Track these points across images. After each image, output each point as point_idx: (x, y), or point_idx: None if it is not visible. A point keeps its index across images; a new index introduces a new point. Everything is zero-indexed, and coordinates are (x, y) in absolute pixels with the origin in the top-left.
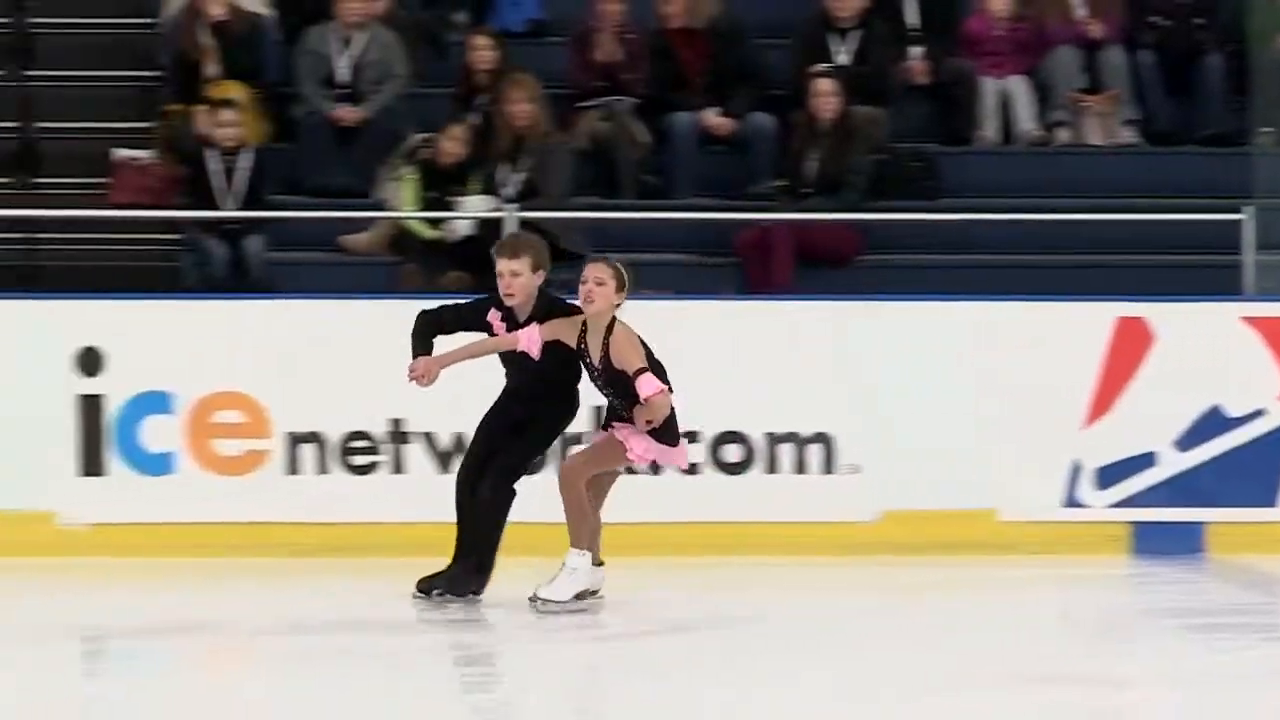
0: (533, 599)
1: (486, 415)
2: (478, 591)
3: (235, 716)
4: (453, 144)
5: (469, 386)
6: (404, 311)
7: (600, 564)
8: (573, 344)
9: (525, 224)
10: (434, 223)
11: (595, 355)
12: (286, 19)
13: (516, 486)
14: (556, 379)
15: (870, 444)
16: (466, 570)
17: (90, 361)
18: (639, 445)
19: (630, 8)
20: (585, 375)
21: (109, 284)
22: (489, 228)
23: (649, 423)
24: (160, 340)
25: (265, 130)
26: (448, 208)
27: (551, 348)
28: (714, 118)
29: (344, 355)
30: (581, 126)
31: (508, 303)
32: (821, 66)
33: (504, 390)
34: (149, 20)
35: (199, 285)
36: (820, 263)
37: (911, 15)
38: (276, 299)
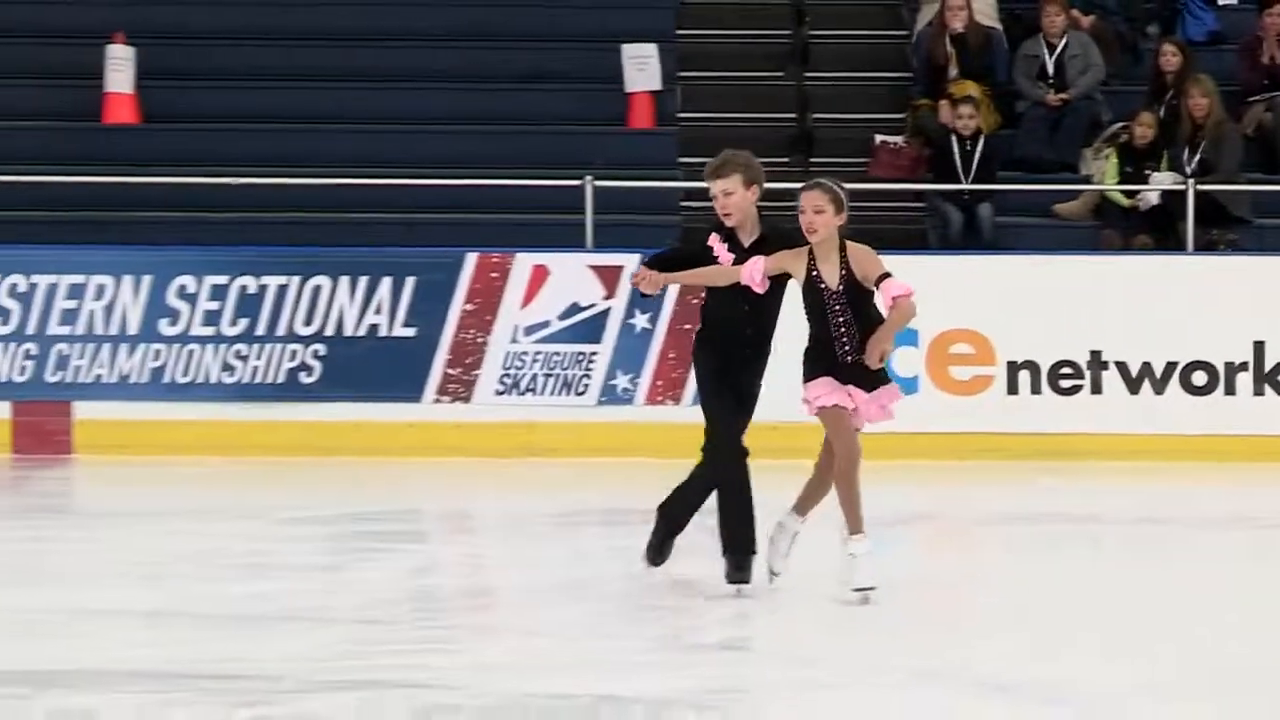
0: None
1: (719, 387)
2: (748, 580)
3: (941, 585)
4: (1144, 129)
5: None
6: (1105, 266)
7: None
8: (800, 275)
9: (1200, 194)
10: (1129, 194)
11: (833, 280)
12: (1010, 31)
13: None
14: (768, 325)
15: None
16: (739, 560)
17: None
18: (872, 411)
19: None
20: (814, 311)
21: (867, 241)
22: (1173, 198)
23: (881, 358)
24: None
25: (995, 120)
26: (1141, 181)
27: (773, 285)
28: None
29: (1055, 300)
30: (1249, 117)
31: (727, 224)
32: None
33: (719, 355)
34: (903, 33)
35: (940, 244)
36: None
37: None
38: (1002, 255)
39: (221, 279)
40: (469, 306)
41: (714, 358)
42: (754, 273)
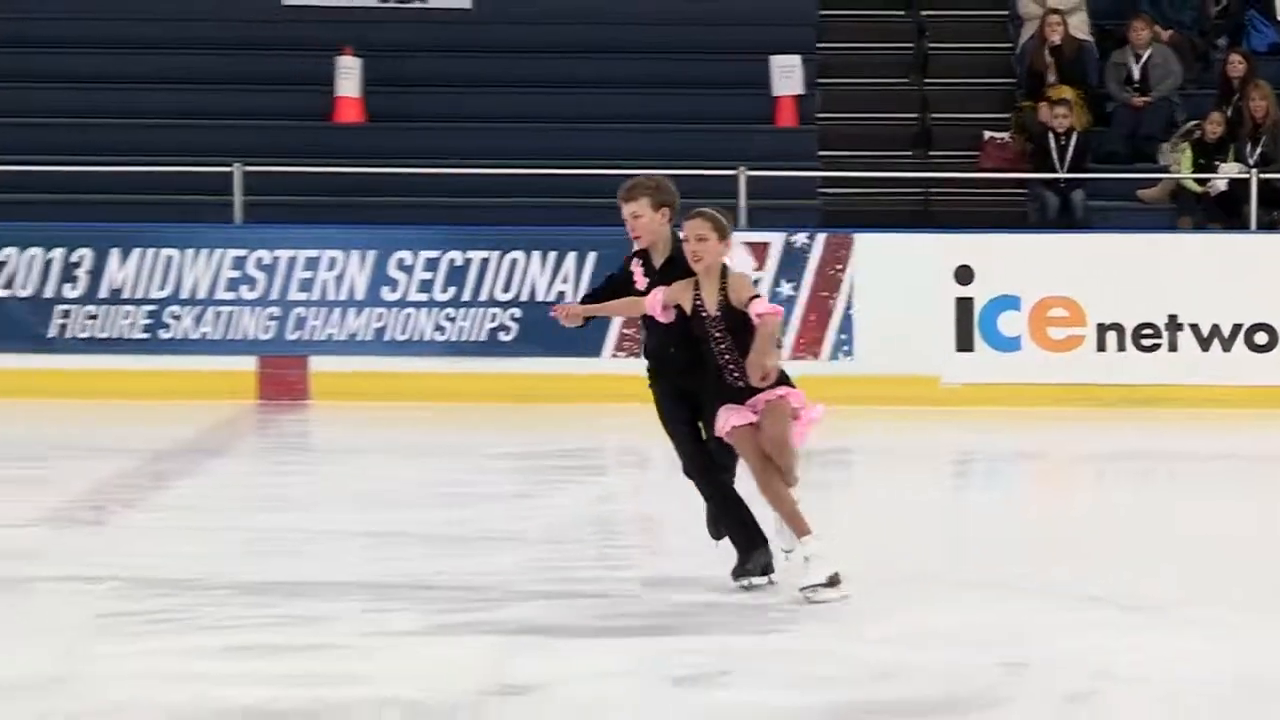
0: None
1: (672, 408)
2: (766, 570)
3: (1041, 512)
4: (1214, 127)
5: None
6: (1180, 242)
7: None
8: (687, 305)
9: (1261, 182)
10: (1201, 182)
11: (712, 307)
12: (1101, 43)
13: (718, 470)
14: (692, 344)
15: None
16: (741, 557)
17: (964, 274)
18: (783, 392)
19: None
20: (702, 338)
21: (978, 222)
22: (1239, 185)
23: (764, 377)
24: (1013, 260)
25: (1087, 119)
26: (1211, 171)
27: (680, 311)
28: None
29: (1137, 271)
30: None
31: (636, 245)
32: None
33: (662, 378)
34: (1009, 45)
35: (1039, 223)
36: None
37: None
38: (1093, 233)
39: (434, 253)
40: None
41: (659, 380)
42: (655, 304)
